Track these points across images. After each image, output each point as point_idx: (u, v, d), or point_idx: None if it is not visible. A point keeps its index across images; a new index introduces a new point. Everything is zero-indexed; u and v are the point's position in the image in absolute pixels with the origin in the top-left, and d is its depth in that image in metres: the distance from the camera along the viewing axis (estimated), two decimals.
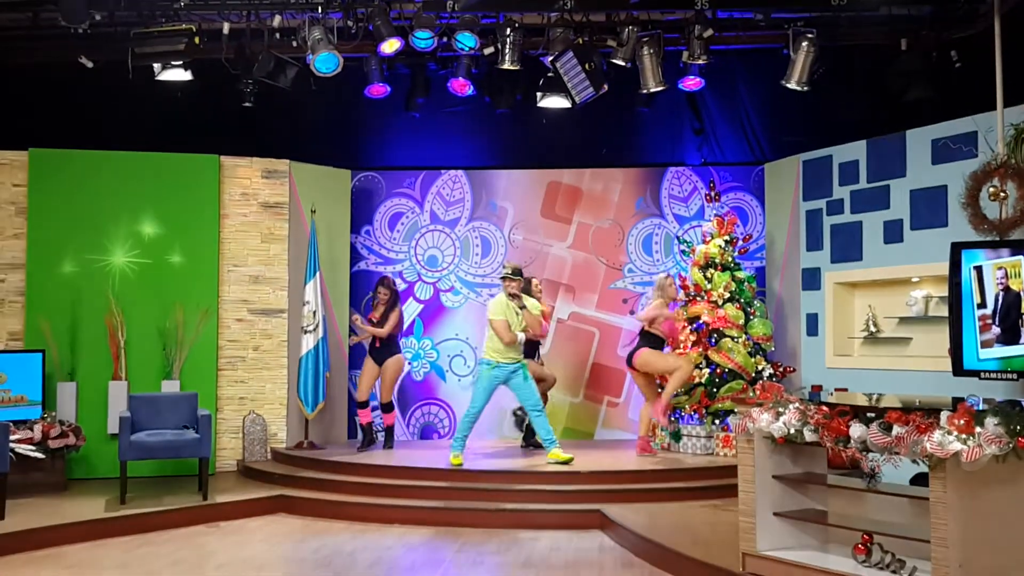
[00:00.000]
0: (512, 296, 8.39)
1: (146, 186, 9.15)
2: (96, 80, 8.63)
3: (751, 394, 6.20)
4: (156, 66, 8.32)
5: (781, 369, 8.91)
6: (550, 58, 8.12)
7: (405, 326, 9.93)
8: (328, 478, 8.29)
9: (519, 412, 9.30)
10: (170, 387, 8.90)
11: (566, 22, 8.18)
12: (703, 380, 8.78)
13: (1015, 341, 6.72)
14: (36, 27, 8.38)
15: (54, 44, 8.50)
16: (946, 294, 7.38)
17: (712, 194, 9.67)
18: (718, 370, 8.76)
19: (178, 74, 8.45)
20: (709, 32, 8.12)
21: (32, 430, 8.04)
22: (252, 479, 8.76)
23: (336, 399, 9.84)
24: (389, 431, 9.41)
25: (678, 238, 10.01)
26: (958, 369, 7.00)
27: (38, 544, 6.66)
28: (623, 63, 8.47)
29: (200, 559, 6.45)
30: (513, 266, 8.58)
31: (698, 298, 9.06)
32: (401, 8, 8.32)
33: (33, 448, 7.92)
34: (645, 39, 8.34)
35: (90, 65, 8.47)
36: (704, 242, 9.31)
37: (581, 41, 8.04)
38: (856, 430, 4.71)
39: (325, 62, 7.93)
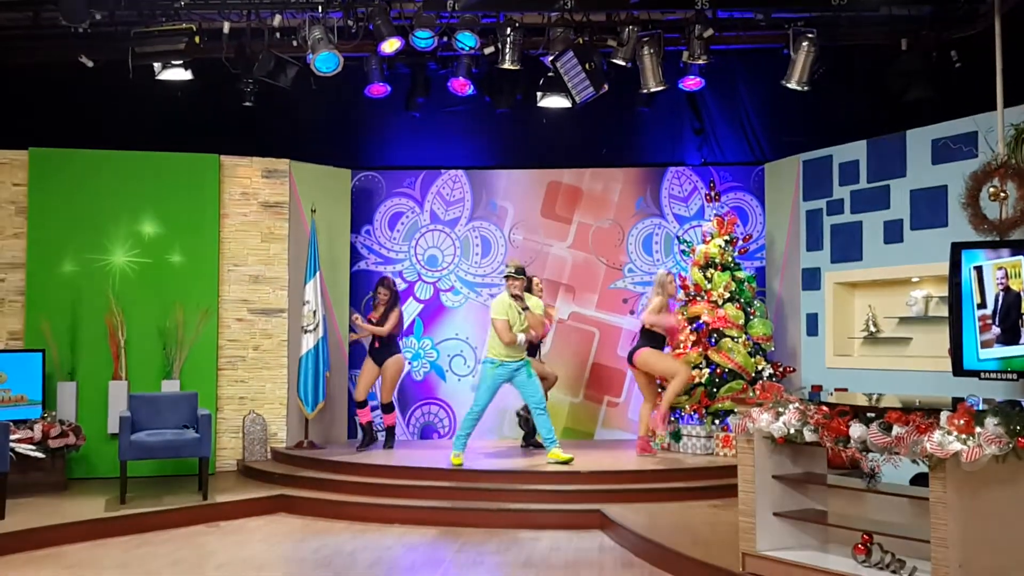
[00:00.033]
0: (515, 297, 8.35)
1: (146, 186, 9.15)
2: (96, 80, 8.64)
3: (751, 394, 6.20)
4: (156, 65, 8.33)
5: (781, 369, 8.91)
6: (550, 58, 8.12)
7: (405, 326, 9.93)
8: (328, 478, 8.29)
9: (523, 412, 9.29)
10: (170, 387, 8.90)
11: (566, 22, 8.18)
12: (703, 380, 8.78)
13: (1015, 341, 6.72)
14: (36, 27, 8.38)
15: (54, 44, 8.50)
16: (946, 294, 7.38)
17: (712, 194, 9.67)
18: (718, 370, 8.76)
19: (178, 74, 8.46)
20: (709, 32, 8.12)
21: (32, 430, 8.05)
22: (252, 479, 8.77)
23: (336, 399, 9.84)
24: (390, 431, 9.41)
25: (678, 238, 10.02)
26: (958, 369, 7.00)
27: (38, 544, 6.66)
28: (623, 63, 8.47)
29: (200, 559, 6.45)
30: (516, 265, 8.52)
31: (698, 298, 9.06)
32: (401, 8, 8.32)
33: (33, 448, 7.93)
34: (645, 39, 8.34)
35: (90, 65, 8.48)
36: (704, 242, 9.31)
37: (581, 41, 8.04)
38: (856, 430, 4.71)
39: (325, 62, 7.93)
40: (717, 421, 8.78)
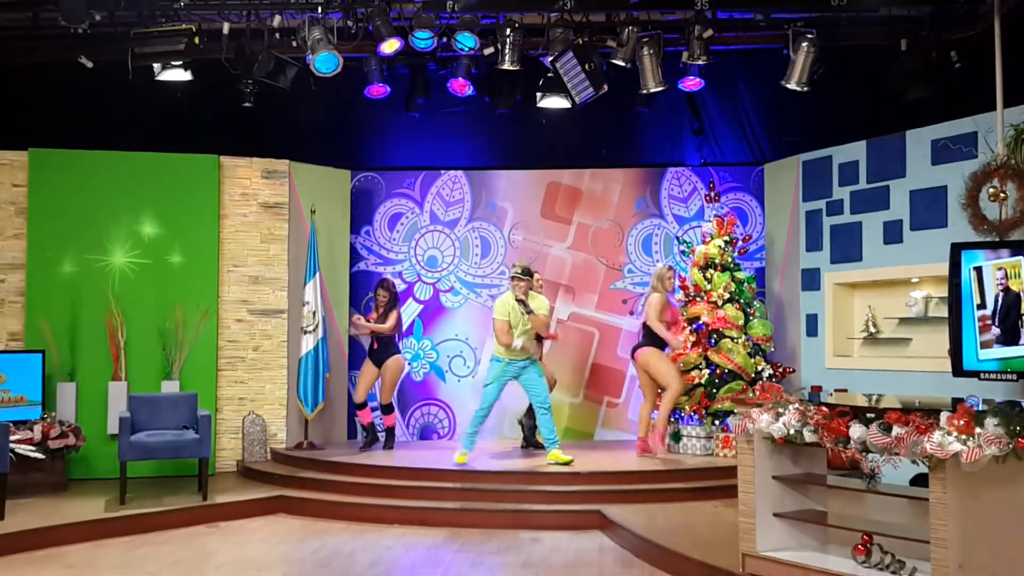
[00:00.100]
0: (519, 301, 8.29)
1: (146, 186, 9.15)
2: (96, 80, 8.63)
3: (751, 395, 6.19)
4: (156, 66, 8.32)
5: (781, 370, 8.91)
6: (550, 58, 8.12)
7: (405, 327, 9.93)
8: (328, 478, 8.29)
9: (524, 420, 9.28)
10: (170, 387, 8.90)
11: (566, 22, 8.18)
12: (703, 381, 8.78)
13: (1015, 342, 6.72)
14: (36, 27, 8.38)
15: (54, 44, 8.50)
16: (946, 295, 7.38)
17: (712, 194, 9.67)
18: (718, 371, 8.76)
19: (178, 74, 8.45)
20: (709, 32, 8.13)
21: (32, 430, 8.04)
22: (252, 479, 8.76)
23: (336, 399, 9.84)
24: (389, 432, 9.41)
25: (678, 238, 10.01)
26: (958, 370, 7.00)
27: (38, 544, 6.67)
28: (623, 63, 8.47)
29: (200, 559, 6.45)
30: (523, 266, 8.46)
31: (698, 299, 9.05)
32: (401, 8, 8.32)
33: (33, 448, 7.92)
34: (645, 39, 8.34)
35: (90, 65, 8.47)
36: (704, 243, 9.30)
37: (581, 41, 8.04)
38: (856, 431, 4.71)
39: (325, 62, 7.93)
40: (717, 422, 8.77)
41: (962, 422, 4.29)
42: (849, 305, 8.81)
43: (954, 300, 7.03)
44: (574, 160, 10.32)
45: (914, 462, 4.59)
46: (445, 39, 8.29)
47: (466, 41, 8.14)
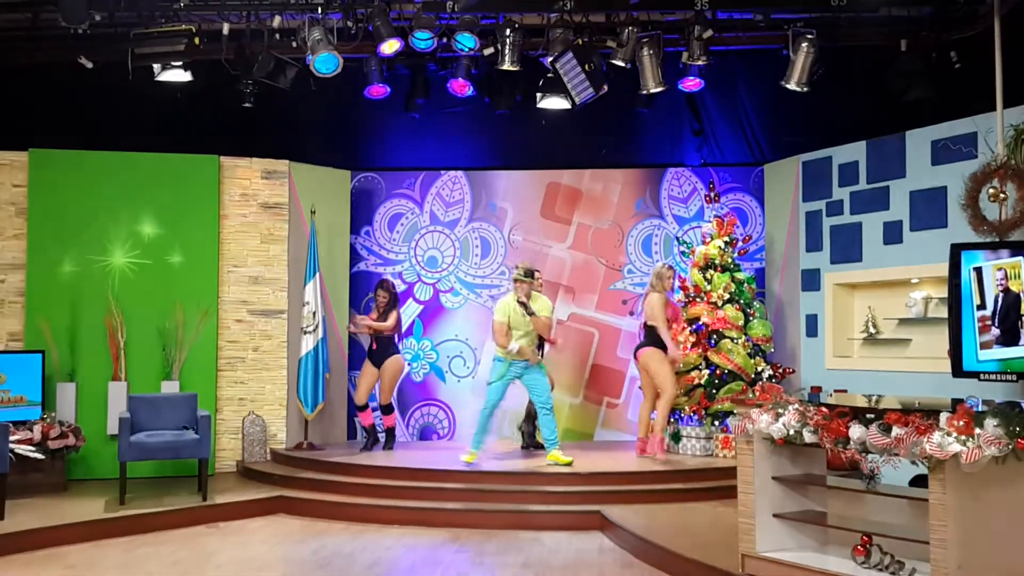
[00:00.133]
0: (521, 304, 8.28)
1: (146, 186, 9.15)
2: (96, 80, 8.63)
3: (750, 395, 6.20)
4: (156, 67, 8.31)
5: (780, 370, 8.91)
6: (550, 59, 8.12)
7: (405, 327, 9.93)
8: (327, 479, 8.29)
9: (523, 427, 9.27)
10: (170, 388, 8.90)
11: (566, 23, 8.18)
12: (702, 381, 8.78)
13: (1014, 342, 6.72)
14: (36, 27, 8.38)
15: (54, 44, 8.50)
16: (946, 295, 7.38)
17: (712, 195, 9.67)
18: (717, 371, 8.75)
19: (178, 75, 8.44)
20: (709, 33, 8.13)
21: (32, 431, 8.04)
22: (251, 480, 8.77)
23: (335, 400, 9.84)
24: (390, 432, 9.41)
25: (678, 239, 10.01)
26: (957, 370, 7.00)
27: (38, 544, 6.67)
28: (623, 64, 8.47)
29: (200, 560, 6.45)
30: (525, 267, 8.46)
31: (698, 299, 9.05)
32: (401, 9, 8.32)
33: (33, 449, 7.92)
34: (645, 40, 8.34)
35: (90, 65, 8.47)
36: (704, 243, 9.31)
37: (581, 42, 8.04)
38: (855, 431, 4.71)
39: (325, 63, 7.93)
40: (717, 422, 8.77)
41: (962, 423, 4.29)
42: (849, 306, 8.81)
43: (954, 301, 7.03)
44: (574, 160, 10.32)
45: (914, 463, 4.59)
46: (445, 39, 8.29)
47: (466, 41, 8.14)
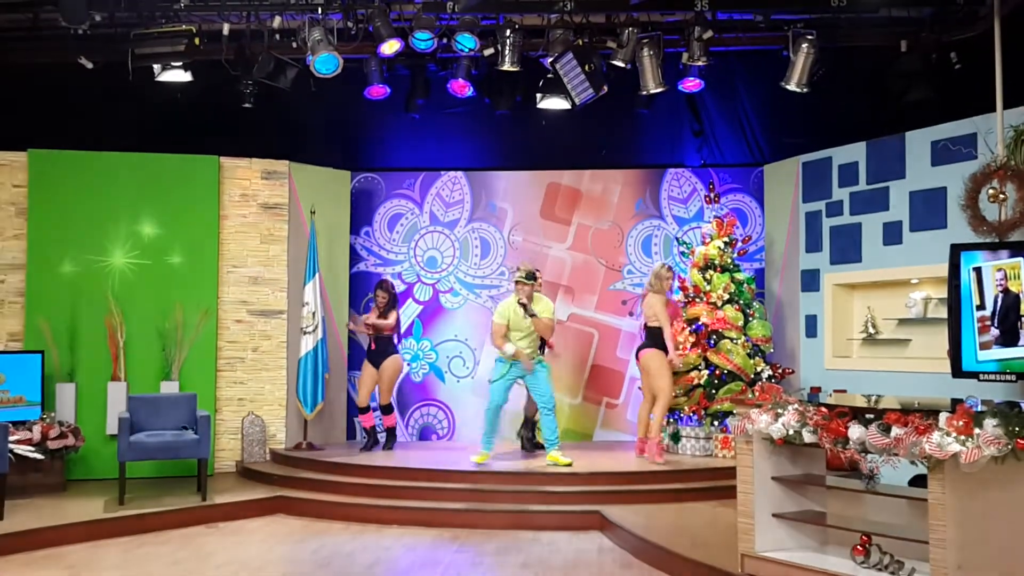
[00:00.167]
0: (522, 305, 8.28)
1: (146, 187, 9.16)
2: (96, 81, 8.64)
3: (750, 395, 6.20)
4: (156, 67, 8.32)
5: (780, 370, 8.91)
6: (550, 59, 8.13)
7: (404, 327, 9.93)
8: (327, 479, 8.29)
9: (522, 432, 9.27)
10: (169, 388, 8.90)
11: (566, 23, 8.19)
12: (702, 382, 8.78)
13: (1014, 343, 6.73)
14: (36, 27, 8.39)
15: (54, 44, 8.51)
16: (945, 296, 7.38)
17: (711, 196, 9.67)
18: (717, 372, 8.75)
19: (178, 75, 8.45)
20: (709, 34, 8.14)
21: (31, 431, 8.04)
22: (251, 480, 8.76)
23: (335, 400, 9.84)
24: (390, 432, 9.41)
25: (677, 239, 10.02)
26: (957, 371, 7.00)
27: (38, 544, 6.67)
28: (623, 64, 8.47)
29: (199, 559, 6.45)
30: (527, 270, 8.46)
31: (697, 300, 9.05)
32: (401, 9, 8.33)
33: (32, 449, 7.93)
34: (645, 40, 8.35)
35: (90, 66, 8.47)
36: (703, 243, 9.31)
37: (581, 42, 8.05)
38: (855, 431, 4.71)
39: (325, 63, 7.94)
40: (716, 422, 8.77)
41: (961, 423, 4.29)
42: (848, 306, 8.81)
43: (953, 301, 7.03)
44: (574, 161, 10.32)
45: (913, 463, 4.59)
46: (445, 40, 8.29)
47: (466, 42, 8.15)
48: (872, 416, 4.71)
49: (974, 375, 6.91)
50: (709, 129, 10.31)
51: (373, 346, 9.30)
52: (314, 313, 9.26)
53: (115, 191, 9.07)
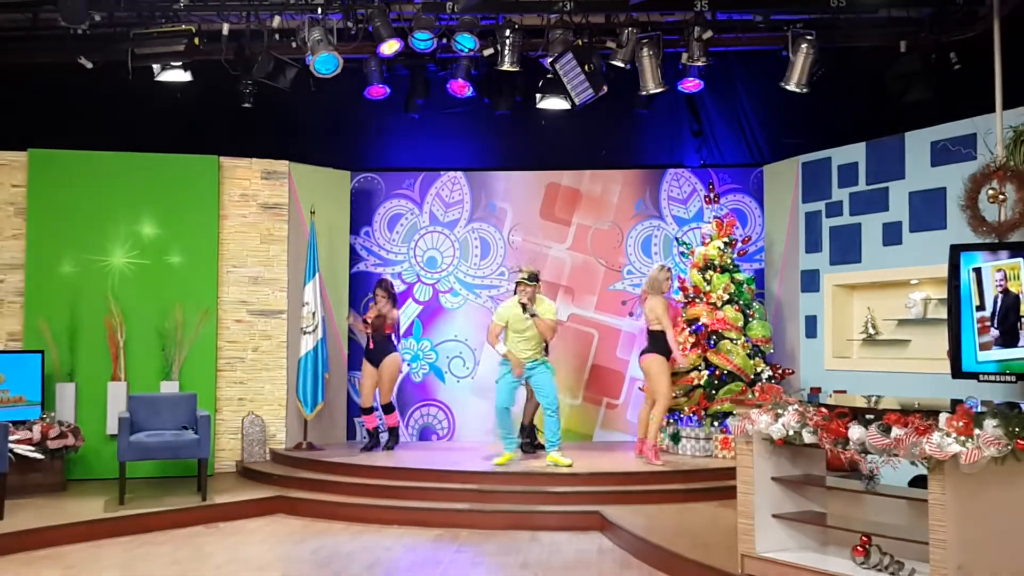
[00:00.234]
0: (523, 306, 8.28)
1: (146, 186, 9.16)
2: (96, 80, 8.63)
3: (750, 396, 6.20)
4: (156, 67, 8.33)
5: (780, 371, 8.91)
6: (549, 59, 8.13)
7: (404, 328, 9.93)
8: (327, 479, 8.29)
9: (521, 438, 9.27)
10: (169, 388, 8.90)
11: (565, 24, 8.19)
12: (702, 382, 8.78)
13: (1014, 343, 6.73)
14: (36, 27, 8.40)
15: (54, 44, 8.51)
16: (945, 296, 7.38)
17: (711, 196, 9.67)
18: (717, 372, 8.76)
19: (178, 75, 8.45)
20: (708, 34, 8.14)
21: (31, 430, 8.04)
22: (251, 480, 8.77)
23: (335, 400, 9.84)
24: (393, 431, 9.41)
25: (677, 240, 10.02)
26: (957, 371, 7.00)
27: (38, 544, 6.67)
28: (622, 65, 8.48)
29: (199, 559, 6.45)
30: (529, 271, 8.47)
31: (697, 300, 9.06)
32: (401, 9, 8.33)
33: (32, 448, 7.93)
34: (644, 41, 8.35)
35: (90, 66, 8.47)
36: (703, 244, 9.31)
37: (580, 43, 8.05)
38: (855, 432, 4.71)
39: (324, 63, 7.94)
40: (716, 423, 8.78)
41: (961, 423, 4.30)
42: (848, 307, 8.82)
43: (953, 302, 7.04)
44: (573, 161, 10.32)
45: (913, 463, 4.60)
46: (445, 40, 8.30)
47: (466, 42, 8.15)
48: (872, 417, 4.71)
49: (974, 376, 6.91)
50: (709, 129, 10.31)
51: (371, 345, 9.30)
52: (314, 313, 9.26)
53: (115, 191, 9.07)
